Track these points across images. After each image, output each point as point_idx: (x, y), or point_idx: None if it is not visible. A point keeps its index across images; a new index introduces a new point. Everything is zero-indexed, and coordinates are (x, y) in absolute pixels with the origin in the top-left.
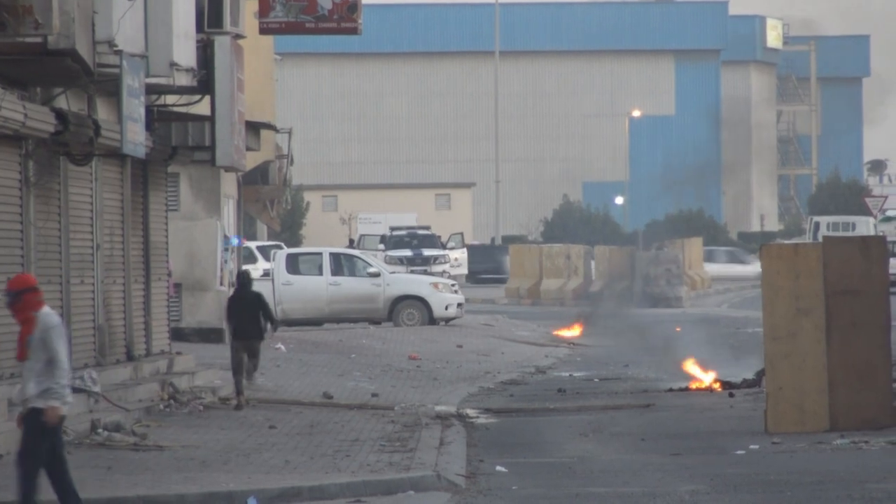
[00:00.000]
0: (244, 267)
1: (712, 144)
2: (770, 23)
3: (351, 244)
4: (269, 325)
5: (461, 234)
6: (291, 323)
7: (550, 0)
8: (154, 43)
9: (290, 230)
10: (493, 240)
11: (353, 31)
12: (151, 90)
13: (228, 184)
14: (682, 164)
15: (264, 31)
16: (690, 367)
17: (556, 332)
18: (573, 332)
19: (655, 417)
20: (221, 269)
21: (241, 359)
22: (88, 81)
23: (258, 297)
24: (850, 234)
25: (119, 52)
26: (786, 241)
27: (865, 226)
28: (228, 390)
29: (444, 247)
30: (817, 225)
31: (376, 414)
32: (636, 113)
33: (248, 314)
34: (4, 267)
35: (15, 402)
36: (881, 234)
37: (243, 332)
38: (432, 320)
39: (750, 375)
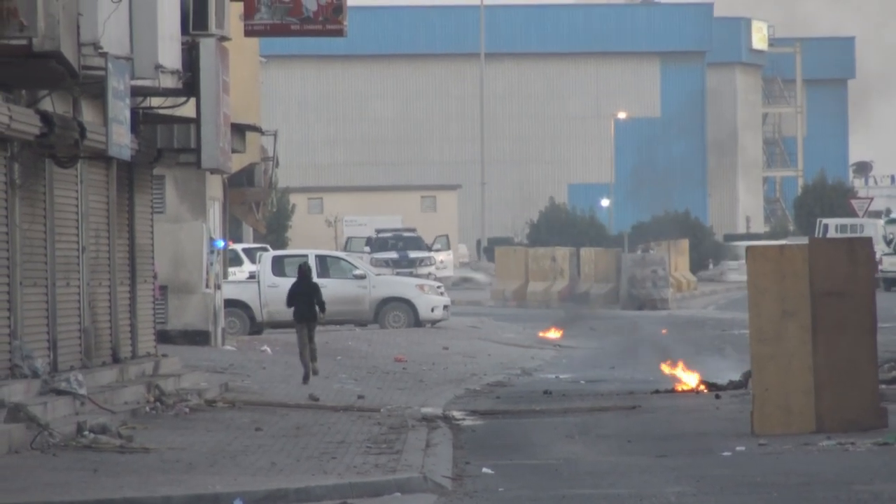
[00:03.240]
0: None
1: (698, 146)
2: (755, 24)
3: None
4: (320, 311)
5: (446, 236)
6: (277, 325)
7: (535, 2)
8: (139, 45)
9: (275, 232)
10: (478, 242)
11: (339, 33)
12: (137, 92)
13: (214, 186)
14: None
15: (249, 33)
16: (677, 368)
17: (541, 335)
18: (555, 334)
19: (642, 419)
20: (207, 272)
21: (304, 338)
22: (74, 84)
23: (315, 287)
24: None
25: (104, 55)
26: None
27: (873, 228)
28: (214, 393)
29: (429, 249)
30: (826, 227)
31: (362, 416)
32: (622, 115)
33: (306, 301)
34: None
35: None
36: (890, 235)
37: (302, 316)
38: (418, 322)
39: (736, 377)
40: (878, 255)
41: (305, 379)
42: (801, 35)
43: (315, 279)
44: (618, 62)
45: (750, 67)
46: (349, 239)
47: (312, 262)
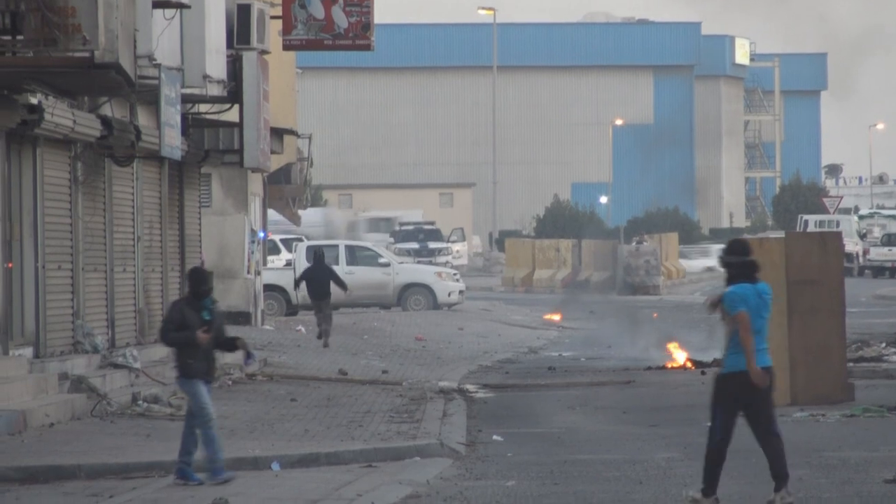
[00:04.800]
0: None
1: (686, 149)
2: (738, 41)
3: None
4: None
5: (462, 229)
6: (311, 308)
7: (542, 21)
8: (189, 57)
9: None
10: (490, 234)
11: (367, 47)
12: (186, 99)
13: (255, 183)
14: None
15: (287, 47)
16: (667, 347)
17: (546, 317)
18: (556, 317)
19: (635, 393)
20: (248, 259)
21: (319, 309)
22: (130, 91)
23: (329, 270)
24: (835, 229)
25: (158, 66)
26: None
27: (848, 223)
28: (254, 367)
29: (446, 240)
30: (806, 223)
31: (386, 389)
32: (619, 121)
33: (320, 282)
34: (56, 256)
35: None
36: (863, 230)
37: (315, 294)
38: (436, 306)
39: (720, 355)
40: (862, 248)
41: (319, 336)
42: (779, 51)
43: (344, 266)
44: (616, 74)
45: (733, 80)
46: (395, 231)
47: (342, 252)
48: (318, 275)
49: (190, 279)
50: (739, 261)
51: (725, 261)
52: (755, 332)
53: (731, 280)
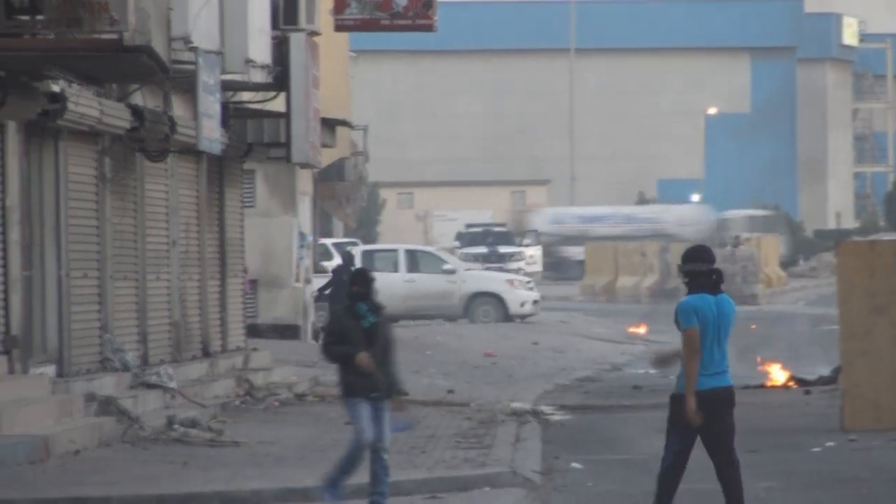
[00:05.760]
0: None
1: (787, 141)
2: (846, 20)
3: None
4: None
5: (535, 230)
6: None
7: None
8: (229, 40)
9: (365, 227)
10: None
11: (429, 28)
12: (227, 87)
13: (304, 181)
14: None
15: (339, 27)
16: (766, 364)
17: (630, 329)
18: (641, 330)
19: None
20: (297, 266)
21: None
22: (164, 78)
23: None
24: None
25: (194, 49)
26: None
27: None
28: (304, 386)
29: (519, 244)
30: None
31: (452, 410)
32: (711, 110)
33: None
34: (82, 263)
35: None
36: None
37: (339, 298)
38: (508, 317)
39: (826, 373)
40: None
41: None
42: (892, 31)
43: (405, 273)
44: (708, 57)
45: (840, 63)
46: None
47: (402, 258)
48: (341, 279)
49: (349, 280)
50: (700, 269)
51: (684, 269)
52: (715, 349)
53: (689, 291)
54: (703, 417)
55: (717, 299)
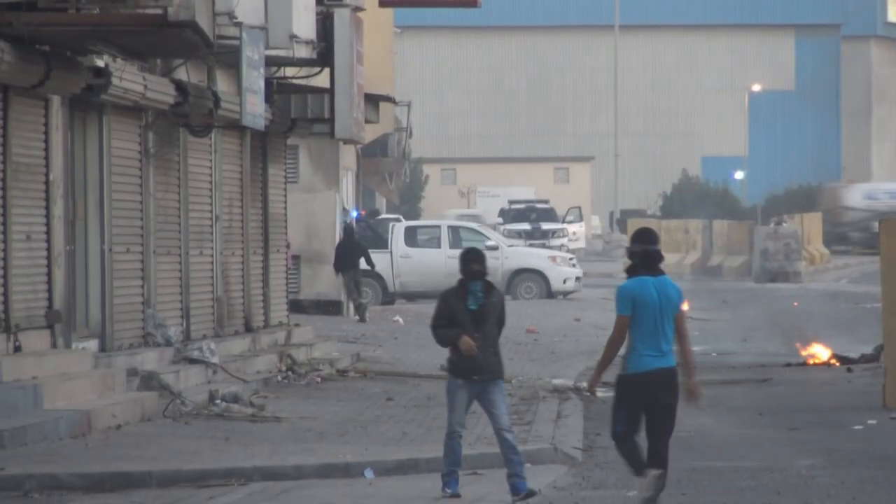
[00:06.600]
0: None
1: (832, 119)
2: None
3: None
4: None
5: (579, 207)
6: (409, 296)
7: None
8: (274, 15)
9: (409, 203)
10: (611, 214)
11: (473, 3)
12: (271, 62)
13: (347, 156)
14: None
15: (384, 3)
16: (808, 341)
17: None
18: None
19: (773, 392)
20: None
21: (349, 284)
22: (208, 53)
23: (357, 245)
24: None
25: (239, 24)
26: None
27: None
28: (346, 362)
29: (562, 221)
30: None
31: None
32: (756, 87)
33: (348, 255)
34: (125, 238)
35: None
36: None
37: (344, 267)
38: (550, 294)
39: (868, 350)
40: None
41: (361, 320)
42: None
43: (447, 249)
44: (752, 34)
45: (886, 40)
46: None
47: (444, 233)
48: (349, 250)
49: (463, 259)
50: (642, 250)
51: (630, 250)
52: (658, 331)
53: (630, 271)
54: (645, 397)
55: (657, 281)
